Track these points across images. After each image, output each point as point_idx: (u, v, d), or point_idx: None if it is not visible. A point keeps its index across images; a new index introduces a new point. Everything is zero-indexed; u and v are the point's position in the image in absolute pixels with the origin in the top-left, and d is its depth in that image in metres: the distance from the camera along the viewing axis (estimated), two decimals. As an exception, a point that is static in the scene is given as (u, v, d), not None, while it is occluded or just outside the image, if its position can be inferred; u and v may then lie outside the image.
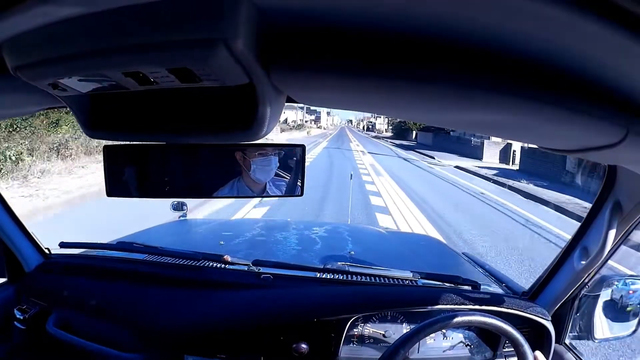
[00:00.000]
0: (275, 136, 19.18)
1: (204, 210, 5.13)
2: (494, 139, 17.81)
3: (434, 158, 17.98)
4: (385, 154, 19.93)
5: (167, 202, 1.85)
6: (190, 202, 2.01)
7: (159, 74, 0.34)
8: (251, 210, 5.47)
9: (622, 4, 0.25)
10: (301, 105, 0.51)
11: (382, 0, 0.28)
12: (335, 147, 22.06)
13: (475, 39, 0.32)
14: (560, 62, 0.34)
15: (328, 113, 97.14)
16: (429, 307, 0.99)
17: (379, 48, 0.34)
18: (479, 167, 14.91)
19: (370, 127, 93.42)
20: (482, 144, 19.04)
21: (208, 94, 0.46)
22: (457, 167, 14.90)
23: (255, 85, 0.37)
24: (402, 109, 0.46)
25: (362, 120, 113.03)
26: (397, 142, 36.34)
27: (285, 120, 49.51)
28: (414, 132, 39.68)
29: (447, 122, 0.51)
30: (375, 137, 51.03)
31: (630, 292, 1.02)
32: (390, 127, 57.75)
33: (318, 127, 77.22)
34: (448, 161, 16.61)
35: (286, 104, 0.48)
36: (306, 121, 75.15)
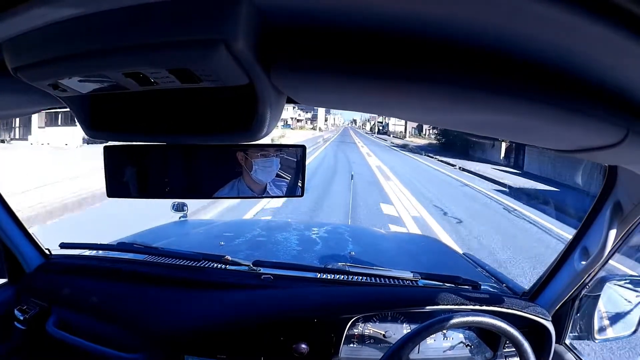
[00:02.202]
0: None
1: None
2: None
3: None
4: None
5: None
6: (191, 207, 1.98)
7: (159, 74, 0.34)
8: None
9: (623, 4, 0.25)
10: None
11: (382, 0, 0.28)
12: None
13: (475, 40, 0.32)
14: (561, 62, 0.34)
15: (328, 111, 79.85)
16: (429, 308, 0.99)
17: (379, 48, 0.34)
18: None
19: (381, 128, 70.31)
20: None
21: (208, 95, 0.46)
22: None
23: (255, 85, 0.38)
24: (403, 109, 0.47)
25: (368, 121, 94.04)
26: (472, 166, 14.66)
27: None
28: (502, 147, 17.38)
29: (447, 122, 0.51)
30: (404, 146, 28.96)
31: (631, 292, 1.02)
32: (435, 133, 30.82)
33: (312, 129, 58.81)
34: None
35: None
36: (299, 120, 63.02)
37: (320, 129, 61.12)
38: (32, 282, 1.15)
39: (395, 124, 60.55)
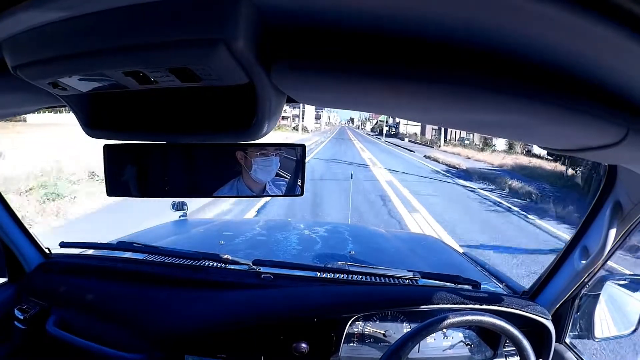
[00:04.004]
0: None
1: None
2: None
3: None
4: None
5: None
6: (190, 209, 1.98)
7: (159, 73, 0.34)
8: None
9: (622, 4, 0.25)
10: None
11: (382, 0, 0.28)
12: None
13: (475, 40, 0.32)
14: (561, 62, 0.33)
15: (321, 108, 52.72)
16: (429, 307, 0.99)
17: (379, 48, 0.34)
18: None
19: (387, 129, 54.99)
20: None
21: (208, 94, 0.46)
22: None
23: (255, 85, 0.38)
24: (402, 109, 0.46)
25: (368, 120, 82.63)
26: None
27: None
28: None
29: (447, 122, 0.51)
30: (484, 178, 11.24)
31: (630, 291, 1.02)
32: (571, 165, 9.88)
33: (294, 129, 41.73)
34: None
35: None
36: (285, 117, 48.46)
37: (306, 130, 42.43)
38: (32, 282, 1.15)
39: (408, 124, 43.97)
